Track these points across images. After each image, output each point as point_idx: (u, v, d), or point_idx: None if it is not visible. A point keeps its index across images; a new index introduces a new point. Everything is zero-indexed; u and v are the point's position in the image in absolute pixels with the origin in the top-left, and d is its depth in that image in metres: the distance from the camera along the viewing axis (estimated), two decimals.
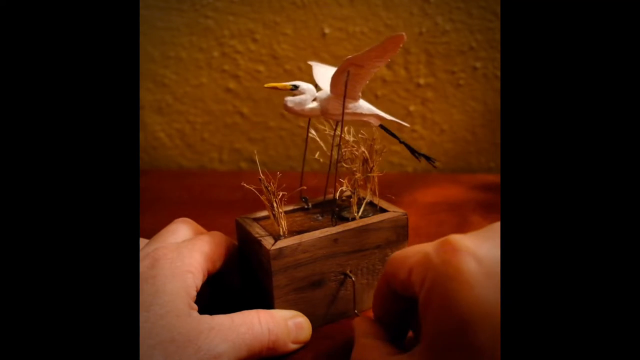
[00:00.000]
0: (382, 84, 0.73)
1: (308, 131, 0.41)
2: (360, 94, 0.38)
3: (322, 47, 0.73)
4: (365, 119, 0.40)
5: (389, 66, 0.72)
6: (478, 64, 0.71)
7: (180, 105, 0.78)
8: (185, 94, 0.78)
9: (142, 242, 0.37)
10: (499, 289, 0.24)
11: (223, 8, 0.74)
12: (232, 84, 0.76)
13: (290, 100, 0.38)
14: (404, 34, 0.33)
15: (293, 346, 0.35)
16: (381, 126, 0.41)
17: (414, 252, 0.29)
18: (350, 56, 0.35)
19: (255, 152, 0.78)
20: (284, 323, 0.34)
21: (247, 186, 0.37)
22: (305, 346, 0.36)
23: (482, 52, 0.70)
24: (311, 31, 0.73)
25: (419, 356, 0.26)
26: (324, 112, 0.38)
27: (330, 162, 0.40)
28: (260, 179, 0.36)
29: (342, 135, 0.39)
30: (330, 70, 0.38)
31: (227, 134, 0.79)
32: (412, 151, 0.42)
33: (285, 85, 0.38)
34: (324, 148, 0.41)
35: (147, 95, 0.78)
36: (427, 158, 0.41)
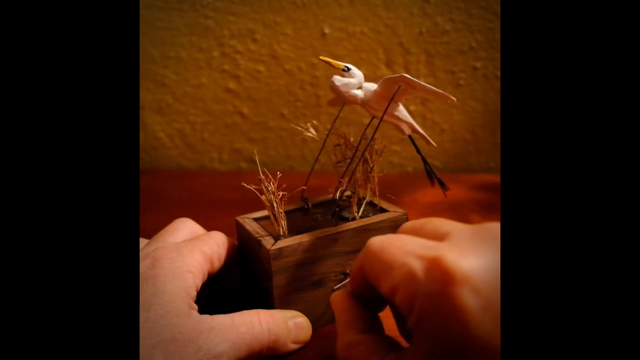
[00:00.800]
0: None
1: (331, 130, 0.41)
2: (400, 104, 0.39)
3: (322, 47, 0.73)
4: (399, 123, 0.40)
5: (389, 66, 0.72)
6: (478, 64, 0.71)
7: (180, 105, 0.78)
8: (185, 94, 0.78)
9: (142, 242, 0.37)
10: (498, 320, 0.22)
11: (223, 8, 0.74)
12: (232, 84, 0.76)
13: (338, 79, 0.38)
14: (454, 100, 0.35)
15: (293, 346, 0.35)
16: (409, 137, 0.41)
17: (398, 261, 0.25)
18: (407, 76, 0.35)
19: (255, 152, 0.78)
20: (284, 323, 0.34)
21: (247, 186, 0.37)
22: (305, 346, 0.36)
23: (482, 52, 0.70)
24: (311, 31, 0.73)
25: None
26: (365, 102, 0.38)
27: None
28: (260, 179, 0.36)
29: (374, 133, 0.39)
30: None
31: (227, 134, 0.79)
32: (429, 172, 0.41)
33: (339, 65, 0.38)
34: (325, 148, 0.41)
35: (147, 95, 0.78)
36: (440, 182, 0.41)
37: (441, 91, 0.35)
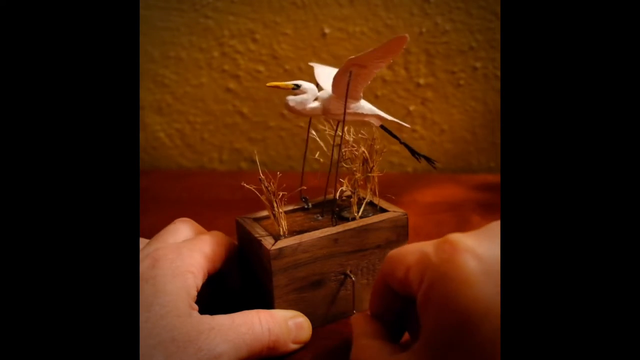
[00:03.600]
0: (382, 84, 0.73)
1: (309, 131, 0.41)
2: (361, 94, 0.38)
3: (322, 47, 0.73)
4: (366, 119, 0.40)
5: (389, 66, 0.72)
6: (478, 64, 0.71)
7: (180, 105, 0.78)
8: (185, 94, 0.78)
9: (142, 242, 0.37)
10: (498, 287, 0.24)
11: (223, 8, 0.74)
12: (232, 84, 0.76)
13: (291, 99, 0.38)
14: (407, 35, 0.33)
15: (293, 346, 0.35)
16: (382, 127, 0.41)
17: (412, 250, 0.28)
18: (352, 57, 0.35)
19: (255, 152, 0.78)
20: (285, 323, 0.34)
21: (247, 186, 0.37)
22: (305, 346, 0.36)
23: (482, 52, 0.70)
24: (311, 31, 0.73)
25: (418, 354, 0.26)
26: (325, 111, 0.39)
27: (331, 162, 0.40)
28: (260, 179, 0.36)
29: (343, 136, 0.39)
30: (332, 71, 0.38)
31: (227, 134, 0.79)
32: (412, 152, 0.42)
33: (287, 85, 0.38)
34: (324, 148, 0.41)
35: (147, 95, 0.78)
36: (427, 159, 0.41)
37: (388, 42, 0.34)
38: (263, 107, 0.77)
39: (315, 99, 0.38)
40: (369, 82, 0.37)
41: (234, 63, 0.75)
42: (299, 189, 0.41)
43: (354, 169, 0.40)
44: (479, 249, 0.25)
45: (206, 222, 0.40)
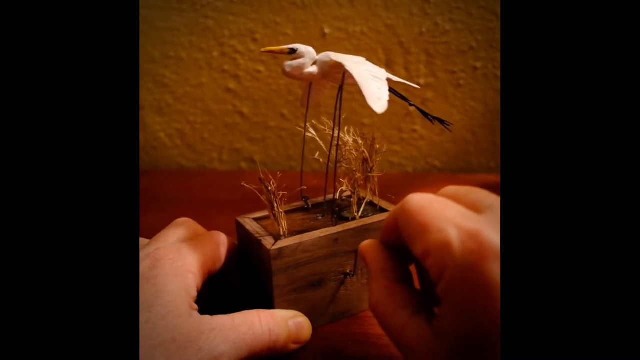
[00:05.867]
0: None
1: (305, 128, 0.41)
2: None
3: (322, 47, 0.72)
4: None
5: (389, 66, 0.72)
6: (478, 64, 0.71)
7: (180, 105, 0.78)
8: (185, 94, 0.78)
9: (142, 242, 0.37)
10: None
11: (223, 8, 0.74)
12: (232, 84, 0.76)
13: (288, 64, 0.37)
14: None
15: (293, 346, 0.35)
16: (390, 90, 0.38)
17: (435, 227, 0.25)
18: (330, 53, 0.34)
19: (256, 152, 0.78)
20: (285, 323, 0.34)
21: (247, 186, 0.37)
22: (305, 346, 0.36)
23: (482, 52, 0.70)
24: (311, 31, 0.73)
25: (437, 341, 0.25)
26: (324, 75, 0.37)
27: (329, 161, 0.39)
28: (260, 179, 0.36)
29: (342, 136, 0.39)
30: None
31: (227, 134, 0.79)
32: (425, 114, 0.39)
33: (283, 49, 0.37)
34: (324, 148, 0.41)
35: (147, 95, 0.78)
36: (441, 121, 0.39)
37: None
38: (263, 107, 0.77)
39: (314, 63, 0.37)
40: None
41: (234, 63, 0.75)
42: (300, 188, 0.41)
43: (354, 169, 0.40)
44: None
45: (206, 222, 0.40)
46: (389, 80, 0.35)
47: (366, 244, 0.32)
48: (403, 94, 0.39)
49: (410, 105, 0.39)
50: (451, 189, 0.30)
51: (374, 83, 0.33)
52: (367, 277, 0.39)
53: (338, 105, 0.37)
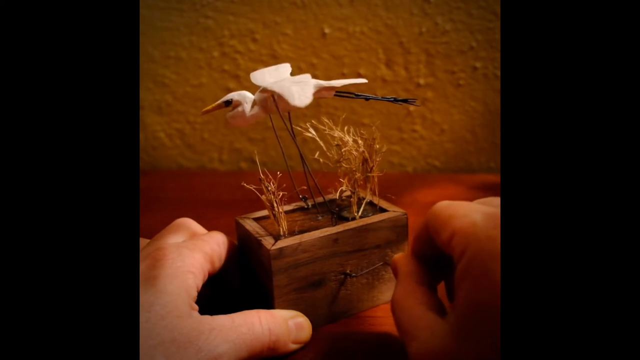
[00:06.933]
0: (382, 84, 0.73)
1: (292, 129, 0.41)
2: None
3: (322, 47, 0.73)
4: (317, 96, 0.37)
5: (389, 66, 0.72)
6: (478, 64, 0.71)
7: (180, 105, 0.78)
8: (185, 94, 0.78)
9: (142, 242, 0.37)
10: None
11: (223, 8, 0.74)
12: (232, 84, 0.76)
13: (229, 116, 0.37)
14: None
15: (293, 346, 0.35)
16: (337, 94, 0.39)
17: (461, 213, 0.28)
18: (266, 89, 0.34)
19: (255, 152, 0.78)
20: (285, 323, 0.34)
21: (247, 186, 0.37)
22: (305, 346, 0.36)
23: (482, 52, 0.70)
24: (311, 31, 0.73)
25: (451, 327, 0.26)
26: (268, 110, 0.37)
27: (303, 161, 0.39)
28: (260, 179, 0.36)
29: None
30: (266, 70, 0.37)
31: (227, 134, 0.79)
32: (387, 99, 0.39)
33: (219, 104, 0.37)
34: (324, 148, 0.41)
35: (147, 95, 0.78)
36: (405, 100, 0.39)
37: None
38: None
39: (254, 105, 0.37)
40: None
41: (234, 63, 0.75)
42: (299, 189, 0.41)
43: (354, 168, 0.40)
44: None
45: (206, 222, 0.40)
46: (330, 88, 0.37)
47: (398, 255, 0.35)
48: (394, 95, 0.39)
49: (367, 99, 0.39)
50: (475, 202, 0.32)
51: (294, 87, 0.35)
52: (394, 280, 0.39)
53: (291, 134, 0.37)
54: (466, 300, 0.25)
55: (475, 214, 0.27)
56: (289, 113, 0.38)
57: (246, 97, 0.37)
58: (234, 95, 0.37)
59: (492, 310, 0.24)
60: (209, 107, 0.37)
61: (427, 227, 0.31)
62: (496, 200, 0.30)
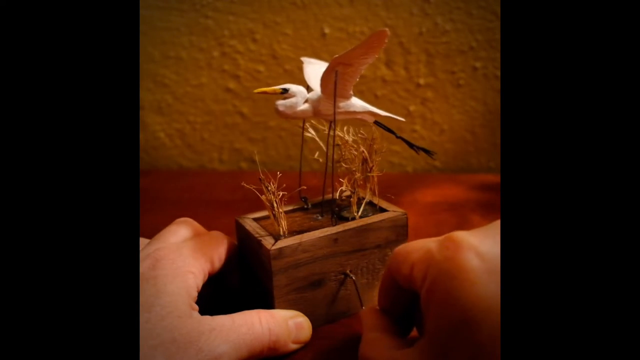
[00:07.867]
0: (382, 84, 0.73)
1: (303, 131, 0.41)
2: (351, 92, 0.38)
3: (322, 47, 0.73)
4: (359, 116, 0.40)
5: (389, 66, 0.72)
6: (478, 64, 0.71)
7: (180, 105, 0.78)
8: (185, 94, 0.78)
9: (143, 242, 0.37)
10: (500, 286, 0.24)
11: (223, 8, 0.74)
12: (232, 84, 0.76)
13: (281, 104, 0.38)
14: (387, 29, 0.33)
15: (293, 346, 0.35)
16: (376, 122, 0.41)
17: (417, 247, 0.29)
18: (337, 55, 0.35)
19: (255, 152, 0.78)
20: (285, 323, 0.34)
21: (247, 186, 0.37)
22: (305, 346, 0.36)
23: (482, 52, 0.70)
24: (311, 31, 0.73)
25: (421, 351, 0.26)
26: (316, 112, 0.38)
27: (327, 163, 0.40)
28: (260, 179, 0.36)
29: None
30: (321, 69, 0.38)
31: (227, 134, 0.79)
32: (410, 145, 0.41)
33: (275, 89, 0.37)
34: (324, 148, 0.41)
35: (147, 95, 0.78)
36: (426, 151, 0.41)
37: (369, 37, 0.33)
38: (263, 107, 0.77)
39: (305, 101, 0.38)
40: (357, 80, 0.37)
41: (234, 63, 0.75)
42: (299, 189, 0.41)
43: (354, 168, 0.40)
44: (481, 247, 0.25)
45: (206, 222, 0.40)
46: (374, 114, 0.40)
47: (365, 309, 0.35)
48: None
49: (397, 137, 0.41)
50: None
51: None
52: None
53: (331, 142, 0.39)
54: (435, 320, 0.26)
55: (430, 243, 0.28)
56: (331, 122, 0.39)
57: (301, 92, 0.38)
58: (291, 87, 0.38)
59: (461, 326, 0.24)
60: (266, 89, 0.38)
61: (390, 272, 0.31)
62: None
